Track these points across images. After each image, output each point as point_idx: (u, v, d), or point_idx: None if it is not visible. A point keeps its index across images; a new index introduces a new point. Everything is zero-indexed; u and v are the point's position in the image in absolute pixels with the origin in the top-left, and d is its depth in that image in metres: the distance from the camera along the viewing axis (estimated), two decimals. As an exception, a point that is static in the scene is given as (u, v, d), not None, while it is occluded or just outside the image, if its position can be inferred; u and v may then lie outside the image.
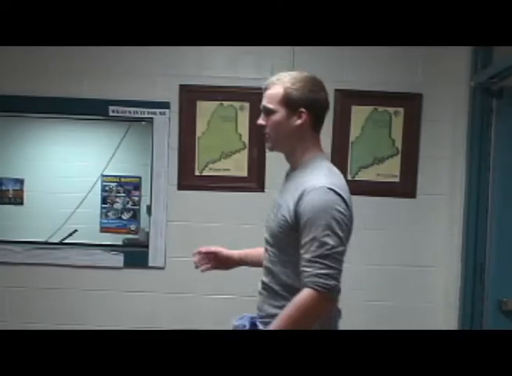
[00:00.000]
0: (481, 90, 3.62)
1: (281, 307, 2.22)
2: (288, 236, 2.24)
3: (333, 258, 2.14)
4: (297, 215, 2.19)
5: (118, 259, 4.10)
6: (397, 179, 4.05)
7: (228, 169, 4.05)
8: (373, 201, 4.04)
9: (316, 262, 2.13)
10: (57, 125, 6.04)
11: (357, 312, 4.03)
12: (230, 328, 2.45)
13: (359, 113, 4.03)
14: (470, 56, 3.75)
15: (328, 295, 2.15)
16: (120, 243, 5.36)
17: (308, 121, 2.32)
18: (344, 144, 4.04)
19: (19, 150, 6.63)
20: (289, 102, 2.27)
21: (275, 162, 3.94)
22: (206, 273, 4.05)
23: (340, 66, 4.04)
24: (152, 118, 4.07)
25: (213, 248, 2.76)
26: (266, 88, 2.32)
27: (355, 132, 4.04)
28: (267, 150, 2.46)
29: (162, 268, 4.09)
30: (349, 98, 4.03)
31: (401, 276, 4.07)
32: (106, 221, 6.75)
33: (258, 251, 2.57)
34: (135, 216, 6.74)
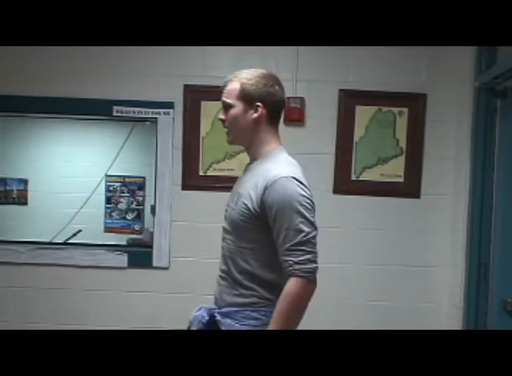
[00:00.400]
0: (485, 90, 3.61)
1: (240, 295, 2.33)
2: (249, 224, 2.31)
3: (310, 243, 2.24)
4: (263, 205, 2.27)
5: (122, 259, 4.10)
6: (401, 179, 4.04)
7: (232, 169, 4.04)
8: (377, 201, 4.04)
9: (295, 250, 2.22)
10: (61, 125, 6.04)
11: (360, 312, 4.04)
12: (188, 320, 2.49)
13: (363, 114, 4.03)
14: (475, 56, 3.75)
15: (312, 278, 2.23)
16: (124, 243, 5.36)
17: (264, 115, 2.40)
18: (348, 144, 4.03)
19: (23, 150, 6.63)
20: (245, 96, 2.38)
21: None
22: (210, 273, 4.06)
23: (345, 67, 4.04)
24: (156, 118, 4.07)
25: None
26: (225, 85, 2.45)
27: (359, 132, 4.04)
28: (228, 144, 2.54)
29: (166, 268, 4.09)
30: (353, 98, 4.03)
31: (405, 276, 4.06)
32: (110, 221, 6.77)
33: None
34: (139, 216, 6.74)
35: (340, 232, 4.01)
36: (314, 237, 2.26)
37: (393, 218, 4.07)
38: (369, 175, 4.04)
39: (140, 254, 4.17)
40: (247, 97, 2.37)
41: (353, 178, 4.03)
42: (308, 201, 2.28)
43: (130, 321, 4.04)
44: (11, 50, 3.88)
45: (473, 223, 3.70)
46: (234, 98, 2.39)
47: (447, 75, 4.00)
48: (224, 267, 2.43)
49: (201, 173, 4.07)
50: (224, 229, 2.47)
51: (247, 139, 2.44)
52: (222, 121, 2.46)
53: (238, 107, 2.38)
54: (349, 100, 4.03)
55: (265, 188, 2.26)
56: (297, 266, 2.20)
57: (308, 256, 2.22)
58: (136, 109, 4.06)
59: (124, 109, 4.05)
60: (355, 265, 4.05)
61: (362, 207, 4.06)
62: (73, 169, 6.63)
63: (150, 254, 4.11)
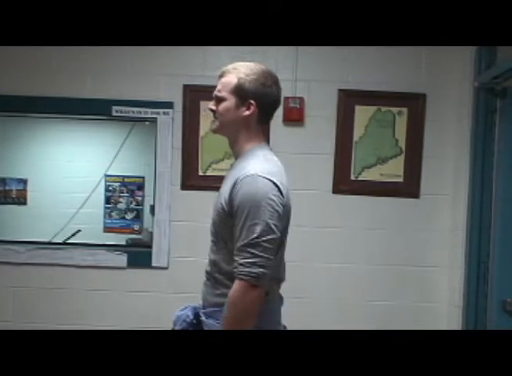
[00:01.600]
0: (484, 90, 3.62)
1: (222, 295, 2.26)
2: (224, 224, 2.27)
3: (260, 247, 2.14)
4: (231, 203, 2.22)
5: (122, 259, 4.10)
6: (400, 179, 4.04)
7: (231, 169, 4.04)
8: (377, 201, 4.04)
9: (243, 251, 2.16)
10: (60, 125, 6.04)
11: (360, 312, 4.04)
12: (172, 319, 2.46)
13: (363, 113, 4.03)
14: (474, 56, 3.75)
15: (254, 283, 2.14)
16: (123, 243, 5.36)
17: (255, 113, 2.35)
18: (348, 144, 4.03)
19: (23, 150, 6.63)
20: (240, 92, 2.32)
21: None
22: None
23: (344, 66, 4.04)
24: (155, 118, 4.07)
25: None
26: (221, 76, 2.38)
27: (358, 132, 4.04)
28: (212, 132, 2.48)
29: (165, 268, 4.09)
30: (353, 98, 4.03)
31: (404, 276, 4.06)
32: (109, 221, 6.77)
33: None
34: (139, 216, 6.75)
35: (339, 232, 4.01)
36: (268, 241, 2.15)
37: (392, 218, 4.07)
38: (368, 175, 4.04)
39: (139, 254, 4.17)
40: (242, 93, 2.32)
41: (352, 178, 4.03)
42: (273, 203, 2.18)
43: (129, 321, 4.04)
44: (11, 50, 3.87)
45: (472, 223, 3.70)
46: (228, 91, 2.33)
47: (446, 75, 4.01)
48: (208, 268, 2.41)
49: (200, 173, 4.07)
50: (210, 230, 2.43)
51: (232, 133, 2.40)
52: (212, 111, 2.40)
53: (230, 101, 2.33)
54: (348, 100, 4.03)
55: (234, 185, 2.21)
56: (240, 268, 2.15)
57: (254, 259, 2.13)
58: (135, 109, 4.06)
59: (124, 109, 4.05)
60: (354, 265, 4.05)
61: (362, 207, 4.06)
62: (72, 169, 6.63)
63: (150, 254, 4.10)
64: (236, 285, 2.15)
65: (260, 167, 2.24)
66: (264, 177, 2.20)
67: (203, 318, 2.36)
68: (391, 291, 4.07)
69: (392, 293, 4.07)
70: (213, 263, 2.36)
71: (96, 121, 4.80)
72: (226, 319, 2.18)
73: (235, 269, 2.17)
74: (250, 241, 2.14)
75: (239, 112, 2.34)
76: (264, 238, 2.14)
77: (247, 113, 2.34)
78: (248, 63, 2.38)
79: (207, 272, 2.42)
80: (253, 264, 2.13)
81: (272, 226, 2.16)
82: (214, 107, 2.39)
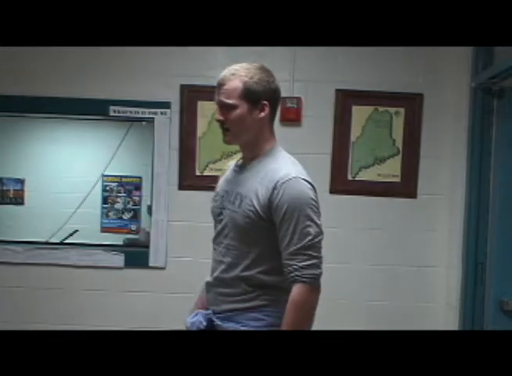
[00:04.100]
0: (481, 90, 3.62)
1: (242, 301, 2.26)
2: (255, 227, 2.23)
3: (315, 248, 2.18)
4: (271, 206, 2.18)
5: (119, 259, 4.10)
6: (398, 179, 4.05)
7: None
8: (374, 201, 4.04)
9: (300, 254, 2.15)
10: (58, 125, 6.04)
11: (357, 313, 4.04)
12: (184, 326, 2.44)
13: (360, 113, 4.03)
14: (471, 57, 3.75)
15: (315, 285, 2.18)
16: (120, 243, 5.36)
17: (268, 113, 2.31)
18: (345, 144, 4.04)
19: (20, 149, 6.63)
20: (250, 95, 2.25)
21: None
22: (207, 273, 4.06)
23: (341, 66, 4.04)
24: (153, 118, 4.07)
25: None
26: (222, 84, 2.29)
27: (355, 132, 4.04)
28: (226, 144, 2.39)
29: (163, 268, 4.09)
30: (350, 98, 4.03)
31: (401, 276, 4.07)
32: (106, 221, 6.77)
33: None
34: (136, 216, 6.75)
35: (336, 232, 4.01)
36: (320, 242, 2.20)
37: (389, 218, 4.07)
38: (365, 175, 4.05)
39: (137, 254, 4.17)
40: (253, 96, 2.25)
41: (350, 178, 4.04)
42: (316, 205, 2.22)
43: (127, 321, 4.04)
44: (8, 50, 3.87)
45: (469, 223, 3.70)
46: (237, 98, 2.25)
47: (443, 75, 4.01)
48: (221, 274, 2.33)
49: (198, 173, 4.07)
50: (219, 234, 2.37)
51: (249, 139, 2.31)
52: (221, 121, 2.30)
53: (242, 107, 2.25)
54: (346, 100, 4.03)
55: (274, 188, 2.17)
56: (300, 272, 2.15)
57: (312, 261, 2.16)
58: (133, 109, 4.06)
59: (121, 109, 4.05)
60: (351, 265, 4.06)
61: (359, 207, 4.06)
62: (69, 169, 6.63)
63: (147, 254, 4.10)
64: (299, 288, 2.15)
65: (294, 169, 2.24)
66: (303, 179, 2.22)
67: (218, 322, 2.32)
68: (388, 291, 4.07)
69: (389, 293, 4.07)
70: (231, 268, 2.29)
71: (94, 120, 4.81)
72: (291, 324, 2.16)
73: (291, 274, 2.16)
74: (306, 244, 2.15)
75: (253, 116, 2.28)
76: (316, 239, 2.18)
77: (262, 114, 2.29)
78: (243, 65, 2.31)
79: (217, 278, 2.35)
80: (312, 266, 2.16)
81: (320, 227, 2.21)
82: (222, 117, 2.30)
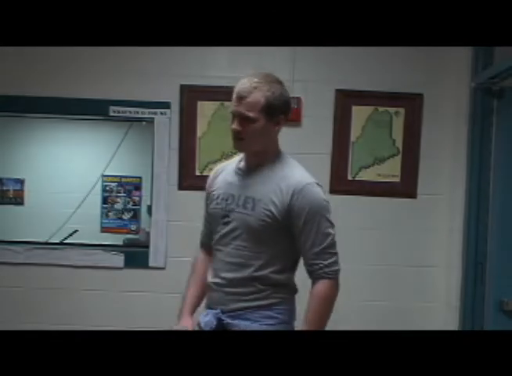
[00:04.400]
0: (481, 90, 3.62)
1: (255, 299, 2.36)
2: (271, 229, 2.33)
3: (334, 246, 2.37)
4: (290, 210, 2.30)
5: (119, 259, 4.09)
6: (397, 179, 4.04)
7: (228, 169, 4.04)
8: (374, 201, 4.04)
9: (324, 254, 2.33)
10: (58, 125, 6.04)
11: (357, 313, 4.03)
12: (197, 324, 2.46)
13: (360, 114, 4.03)
14: (471, 56, 3.75)
15: (338, 279, 2.38)
16: (120, 243, 5.36)
17: (282, 125, 2.41)
18: (345, 144, 4.03)
19: (20, 150, 6.63)
20: (270, 111, 2.32)
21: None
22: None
23: (341, 66, 4.04)
24: (153, 118, 4.07)
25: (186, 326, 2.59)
26: (244, 96, 2.31)
27: (355, 132, 4.04)
28: (238, 152, 2.50)
29: (163, 268, 4.09)
30: (350, 98, 4.03)
31: (401, 276, 4.06)
32: (106, 221, 6.77)
33: (202, 285, 2.63)
34: (136, 216, 6.75)
35: (336, 232, 4.00)
36: (335, 239, 2.38)
37: (389, 218, 4.07)
38: (365, 175, 4.05)
39: (137, 255, 4.17)
40: (271, 111, 2.32)
41: (349, 178, 4.03)
42: (329, 206, 2.38)
43: (127, 321, 4.03)
44: (7, 50, 3.86)
45: (469, 223, 3.70)
46: (257, 111, 2.30)
47: (443, 75, 4.01)
48: (230, 274, 2.40)
49: (198, 173, 4.07)
50: (225, 235, 2.42)
51: (261, 147, 2.39)
52: (237, 131, 2.35)
53: (261, 121, 2.32)
54: (346, 100, 4.03)
55: (293, 194, 2.30)
56: (326, 269, 2.32)
57: (334, 258, 2.36)
58: (133, 109, 4.05)
59: (121, 109, 4.05)
60: (351, 266, 4.02)
61: (359, 207, 4.06)
62: (69, 169, 6.63)
63: (147, 255, 4.10)
64: (325, 284, 2.33)
65: (306, 174, 2.40)
66: (317, 183, 2.37)
67: (228, 321, 2.37)
68: (387, 291, 4.07)
69: (389, 293, 4.07)
70: (242, 268, 2.37)
71: (93, 121, 4.81)
72: (319, 318, 2.33)
73: (318, 271, 2.33)
74: (328, 243, 2.34)
75: (269, 129, 2.36)
76: (334, 238, 2.38)
77: (278, 127, 2.39)
78: (262, 77, 2.35)
79: (225, 278, 2.40)
80: (334, 263, 2.36)
81: (334, 225, 2.39)
82: (239, 127, 2.34)
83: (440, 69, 4.01)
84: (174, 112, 4.06)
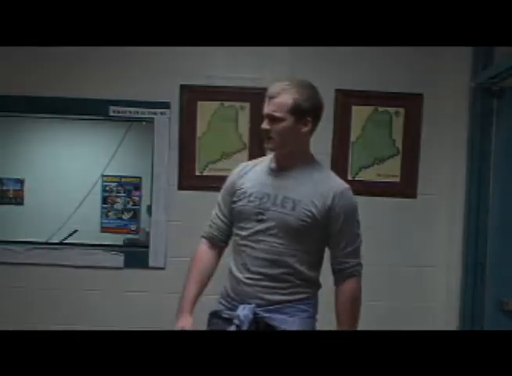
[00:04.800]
0: (481, 90, 3.62)
1: (289, 293, 2.46)
2: (309, 229, 2.43)
3: (361, 246, 2.54)
4: (330, 212, 2.43)
5: (118, 259, 4.10)
6: (397, 179, 4.05)
7: (228, 169, 3.99)
8: (374, 201, 4.03)
9: (355, 253, 2.49)
10: (58, 125, 6.05)
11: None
12: (235, 317, 2.46)
13: (360, 114, 4.03)
14: (471, 57, 3.75)
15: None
16: (120, 243, 5.36)
17: (310, 128, 2.47)
18: (345, 144, 4.04)
19: (20, 150, 6.64)
20: (297, 112, 2.41)
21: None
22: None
23: (341, 67, 4.04)
24: (152, 118, 4.07)
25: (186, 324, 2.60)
26: (273, 97, 2.41)
27: (355, 132, 4.04)
28: (268, 151, 2.56)
29: (162, 268, 4.09)
30: (350, 98, 4.03)
31: (401, 276, 4.06)
32: (106, 221, 6.78)
33: (202, 281, 2.74)
34: (136, 216, 6.76)
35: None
36: None
37: (389, 218, 4.07)
38: (365, 175, 4.05)
39: (136, 255, 4.17)
40: (299, 112, 2.41)
41: (349, 177, 4.02)
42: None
43: (127, 321, 4.03)
44: (8, 50, 3.86)
45: (469, 223, 3.70)
46: (285, 112, 2.39)
47: (443, 75, 4.01)
48: (264, 269, 2.46)
49: (197, 173, 4.07)
50: (259, 232, 2.47)
51: (290, 148, 2.48)
52: (266, 130, 2.44)
53: (288, 121, 2.41)
54: (345, 100, 4.03)
55: (334, 197, 2.42)
56: (357, 267, 2.49)
57: (360, 258, 2.52)
58: (133, 109, 4.05)
59: (121, 109, 4.05)
60: (351, 265, 4.05)
61: (359, 206, 4.04)
62: (69, 169, 6.64)
63: (146, 255, 4.10)
64: (356, 282, 2.49)
65: (340, 179, 2.55)
66: (349, 188, 2.51)
67: (264, 314, 2.44)
68: (387, 290, 4.07)
69: (389, 293, 4.07)
70: (278, 264, 2.45)
71: (93, 121, 4.81)
72: (355, 312, 2.50)
73: (351, 269, 2.48)
74: (358, 244, 2.51)
75: (297, 129, 2.44)
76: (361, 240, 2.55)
77: (306, 129, 2.46)
78: (293, 80, 2.45)
79: (261, 273, 2.46)
80: (361, 262, 2.52)
81: None
82: (268, 127, 2.44)
83: (440, 69, 4.01)
84: (174, 112, 4.06)
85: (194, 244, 4.03)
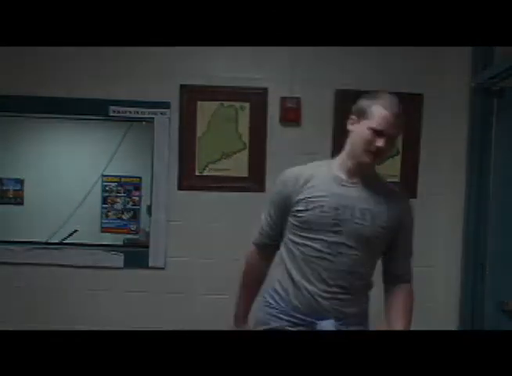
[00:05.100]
0: (481, 90, 3.62)
1: (359, 304, 2.50)
2: (383, 240, 2.47)
3: None
4: (401, 223, 2.50)
5: (118, 259, 4.10)
6: (397, 179, 4.04)
7: (228, 169, 4.05)
8: (374, 201, 4.03)
9: (410, 260, 2.57)
10: (57, 125, 6.05)
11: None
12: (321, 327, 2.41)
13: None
14: (471, 56, 3.75)
15: None
16: (120, 243, 5.36)
17: None
18: (345, 144, 4.02)
19: (20, 150, 6.64)
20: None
21: (276, 162, 3.96)
22: (205, 273, 4.07)
23: (341, 66, 4.04)
24: (152, 118, 4.07)
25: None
26: (398, 116, 2.43)
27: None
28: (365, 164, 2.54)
29: (162, 268, 4.09)
30: (349, 98, 4.02)
31: (401, 276, 4.06)
32: (106, 221, 6.78)
33: (256, 290, 2.70)
34: (136, 216, 6.76)
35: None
36: None
37: (389, 218, 4.07)
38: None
39: (136, 255, 4.17)
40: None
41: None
42: None
43: (127, 321, 4.04)
44: (7, 50, 3.86)
45: (469, 223, 3.70)
46: (399, 132, 2.48)
47: (443, 75, 4.01)
48: (344, 282, 2.42)
49: (197, 173, 4.07)
50: (336, 244, 2.41)
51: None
52: (382, 149, 2.45)
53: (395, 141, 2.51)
54: (345, 100, 4.01)
55: (402, 208, 2.54)
56: (411, 273, 2.56)
57: None
58: (132, 109, 4.05)
59: (121, 109, 4.05)
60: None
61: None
62: (69, 169, 6.64)
63: (146, 255, 4.10)
64: (411, 287, 2.55)
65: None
66: None
67: (343, 328, 2.40)
68: (387, 291, 4.07)
69: (389, 293, 4.06)
70: (353, 276, 2.44)
71: (93, 121, 4.80)
72: (411, 317, 2.50)
73: (407, 275, 2.55)
74: (412, 251, 2.58)
75: None
76: None
77: None
78: (392, 99, 2.49)
79: (339, 286, 2.41)
80: None
81: None
82: (386, 146, 2.46)
83: (440, 69, 4.01)
84: (174, 112, 4.06)
85: (194, 244, 4.05)
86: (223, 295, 3.99)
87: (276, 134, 4.01)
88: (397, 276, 2.53)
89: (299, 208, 2.45)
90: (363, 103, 2.56)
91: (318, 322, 2.38)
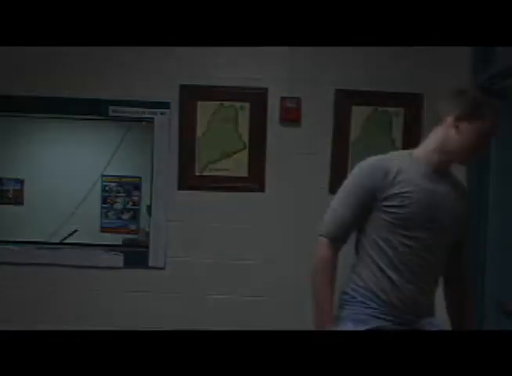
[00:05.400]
0: (481, 90, 3.61)
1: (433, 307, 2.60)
2: (463, 235, 2.60)
3: None
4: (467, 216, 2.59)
5: (118, 259, 4.09)
6: (397, 179, 4.04)
7: (228, 169, 4.04)
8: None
9: None
10: (57, 125, 6.05)
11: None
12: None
13: (360, 114, 4.02)
14: (471, 56, 3.75)
15: None
16: (120, 243, 5.36)
17: None
18: (345, 144, 4.03)
19: (20, 150, 6.64)
20: None
21: (275, 162, 3.96)
22: (205, 273, 4.06)
23: (341, 66, 4.04)
24: (152, 118, 4.06)
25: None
26: (499, 118, 2.40)
27: (355, 132, 4.03)
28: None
29: (162, 268, 4.08)
30: (349, 98, 4.03)
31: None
32: (106, 221, 6.78)
33: (334, 289, 2.49)
34: (135, 216, 6.76)
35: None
36: None
37: (389, 218, 4.06)
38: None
39: (136, 254, 4.16)
40: None
41: (349, 178, 4.03)
42: None
43: (127, 321, 4.03)
44: (7, 50, 3.86)
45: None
46: None
47: (443, 75, 4.00)
48: (435, 278, 2.54)
49: (197, 173, 4.06)
50: (435, 243, 2.41)
51: None
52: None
53: None
54: (346, 100, 4.02)
55: (467, 203, 2.59)
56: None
57: None
58: (132, 109, 4.05)
59: (121, 109, 4.05)
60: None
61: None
62: (69, 169, 6.64)
63: (146, 255, 4.10)
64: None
65: None
66: None
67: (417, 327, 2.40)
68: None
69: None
70: (434, 277, 2.54)
71: (93, 121, 4.81)
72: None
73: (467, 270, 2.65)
74: None
75: None
76: None
77: None
78: None
79: (434, 283, 2.55)
80: None
81: None
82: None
83: (440, 69, 4.01)
84: (174, 112, 4.05)
85: (194, 244, 4.05)
86: (223, 295, 4.00)
87: (276, 134, 4.01)
88: (461, 272, 2.66)
89: (393, 203, 2.33)
90: (475, 100, 2.42)
91: (421, 320, 2.44)
